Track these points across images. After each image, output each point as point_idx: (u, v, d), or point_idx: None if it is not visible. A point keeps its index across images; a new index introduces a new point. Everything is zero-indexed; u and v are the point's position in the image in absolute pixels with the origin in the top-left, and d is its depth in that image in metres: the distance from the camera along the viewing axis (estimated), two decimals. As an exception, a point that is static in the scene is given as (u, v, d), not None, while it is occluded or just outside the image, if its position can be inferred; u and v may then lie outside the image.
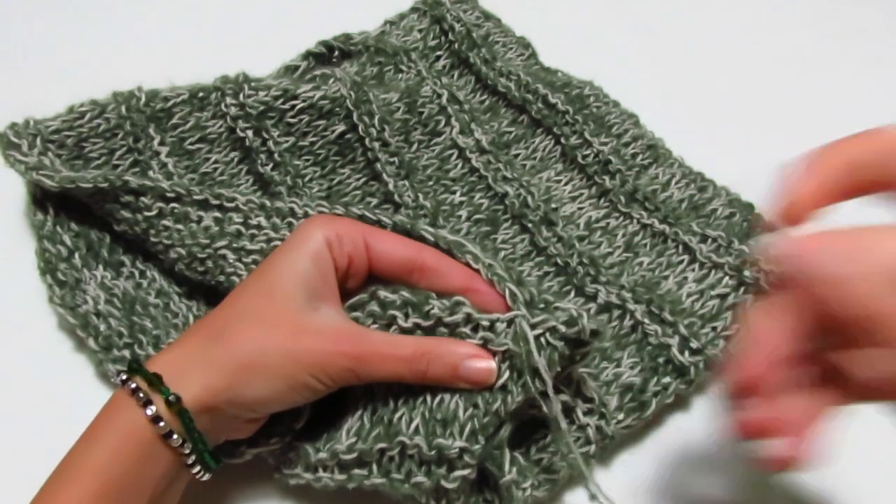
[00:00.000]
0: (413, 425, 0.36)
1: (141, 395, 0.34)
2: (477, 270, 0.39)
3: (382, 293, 0.39)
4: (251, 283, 0.38)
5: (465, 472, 0.36)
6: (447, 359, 0.36)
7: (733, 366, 0.30)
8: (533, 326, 0.36)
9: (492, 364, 0.36)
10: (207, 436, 0.36)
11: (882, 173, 0.29)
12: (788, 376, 0.30)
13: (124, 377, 0.35)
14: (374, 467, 0.37)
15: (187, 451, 0.35)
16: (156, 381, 0.34)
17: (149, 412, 0.34)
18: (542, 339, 0.36)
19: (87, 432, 0.35)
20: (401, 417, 0.37)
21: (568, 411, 0.41)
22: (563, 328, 0.36)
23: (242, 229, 0.44)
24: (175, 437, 0.34)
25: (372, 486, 0.37)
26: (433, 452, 0.36)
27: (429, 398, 0.37)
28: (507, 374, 0.36)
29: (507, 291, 0.38)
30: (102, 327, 0.44)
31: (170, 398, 0.34)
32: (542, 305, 0.37)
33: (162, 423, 0.34)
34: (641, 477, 0.43)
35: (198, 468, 0.36)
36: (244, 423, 0.37)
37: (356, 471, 0.37)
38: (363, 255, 0.38)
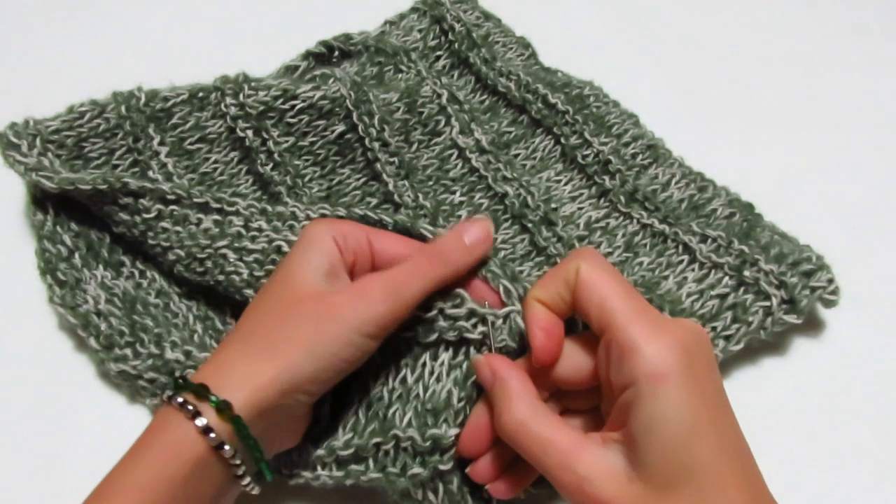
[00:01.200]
0: (406, 419, 0.37)
1: (189, 407, 0.33)
2: None
3: None
4: (269, 284, 0.39)
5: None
6: (456, 247, 0.38)
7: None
8: None
9: (482, 220, 0.39)
10: (261, 444, 0.35)
11: (564, 303, 0.36)
12: None
13: (170, 393, 0.34)
14: (371, 462, 0.37)
15: (238, 462, 0.34)
16: (202, 391, 0.33)
17: (199, 423, 0.32)
18: None
19: (132, 450, 0.34)
20: (395, 412, 0.38)
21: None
22: None
23: (243, 231, 0.44)
24: (227, 447, 0.33)
25: (369, 482, 0.37)
26: (428, 444, 0.36)
27: (421, 391, 0.38)
28: None
29: (501, 288, 0.38)
30: (103, 326, 0.44)
31: (219, 405, 0.33)
32: None
33: (213, 435, 0.32)
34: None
35: (248, 480, 0.35)
36: (297, 420, 0.37)
37: (353, 466, 0.38)
38: (367, 252, 0.39)
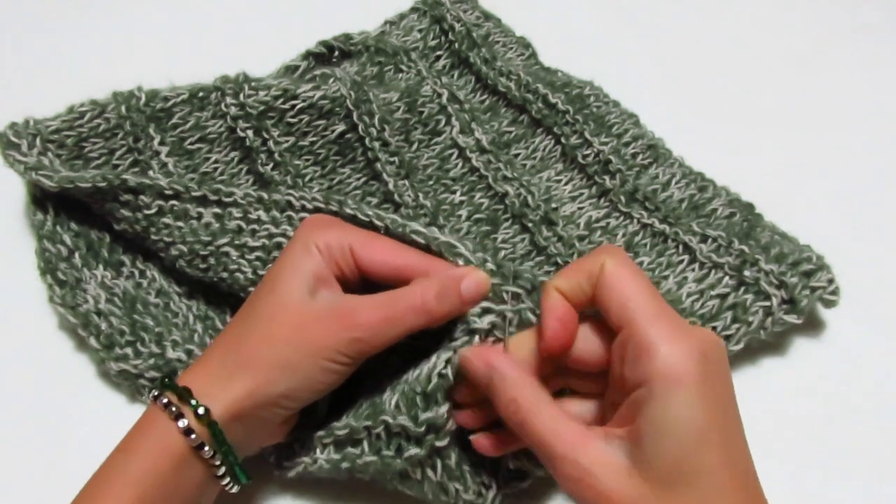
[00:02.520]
0: (394, 401, 0.37)
1: (173, 409, 0.35)
2: None
3: None
4: (257, 291, 0.39)
5: (449, 425, 0.36)
6: (450, 292, 0.37)
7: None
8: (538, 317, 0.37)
9: (480, 272, 0.37)
10: (241, 445, 0.37)
11: (584, 296, 0.35)
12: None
13: (156, 393, 0.36)
14: (366, 445, 0.37)
15: (218, 463, 0.36)
16: (185, 395, 0.35)
17: (180, 425, 0.34)
18: None
19: (121, 445, 0.36)
20: (387, 398, 0.38)
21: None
22: None
23: (243, 224, 0.44)
24: (206, 448, 0.35)
25: (365, 467, 0.38)
26: (422, 428, 0.36)
27: (410, 375, 0.37)
28: None
29: (507, 294, 0.38)
30: (104, 326, 0.44)
31: (198, 411, 0.35)
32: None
33: (193, 436, 0.34)
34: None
35: (227, 479, 0.37)
36: (278, 425, 0.38)
37: (349, 449, 0.38)
38: (351, 263, 0.38)
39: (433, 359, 0.37)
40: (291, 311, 0.37)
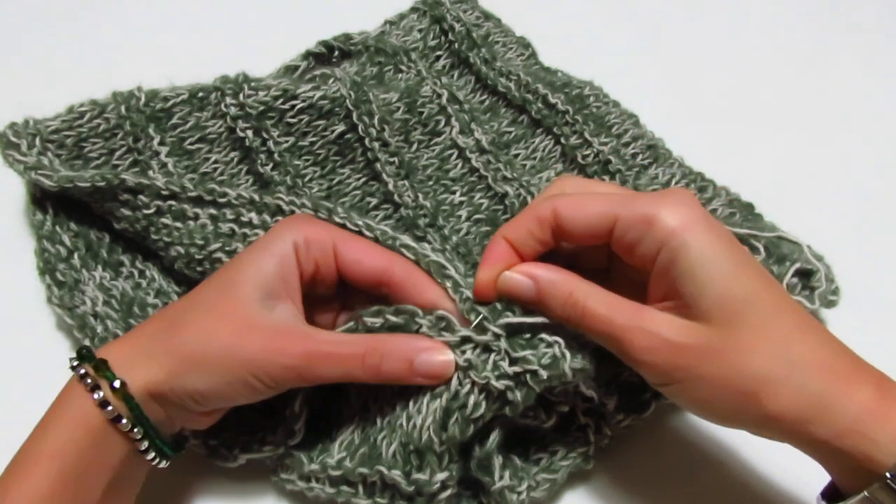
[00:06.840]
0: (391, 450, 0.36)
1: (89, 380, 0.34)
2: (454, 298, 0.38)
3: (368, 319, 0.38)
4: (213, 279, 0.38)
5: (448, 493, 0.36)
6: (401, 354, 0.35)
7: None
8: (513, 361, 0.36)
9: (449, 356, 0.36)
10: (162, 423, 0.36)
11: (536, 241, 0.36)
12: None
13: (74, 363, 0.35)
14: (360, 488, 0.37)
15: (139, 437, 0.35)
16: (102, 367, 0.34)
17: (96, 397, 0.34)
18: (522, 378, 0.35)
19: (42, 420, 0.35)
20: (383, 439, 0.37)
21: (567, 413, 0.41)
22: (544, 374, 0.35)
23: (235, 227, 0.43)
24: (124, 421, 0.34)
25: None
26: (412, 488, 0.35)
27: (404, 421, 0.36)
28: (483, 406, 0.36)
29: (489, 333, 0.36)
30: (99, 329, 0.44)
31: (113, 384, 0.34)
32: (527, 336, 0.36)
33: (110, 408, 0.34)
34: (641, 477, 0.43)
35: (152, 454, 0.36)
36: (197, 415, 0.37)
37: (344, 487, 0.37)
38: (331, 262, 0.38)
39: (423, 408, 0.36)
40: (237, 314, 0.35)
